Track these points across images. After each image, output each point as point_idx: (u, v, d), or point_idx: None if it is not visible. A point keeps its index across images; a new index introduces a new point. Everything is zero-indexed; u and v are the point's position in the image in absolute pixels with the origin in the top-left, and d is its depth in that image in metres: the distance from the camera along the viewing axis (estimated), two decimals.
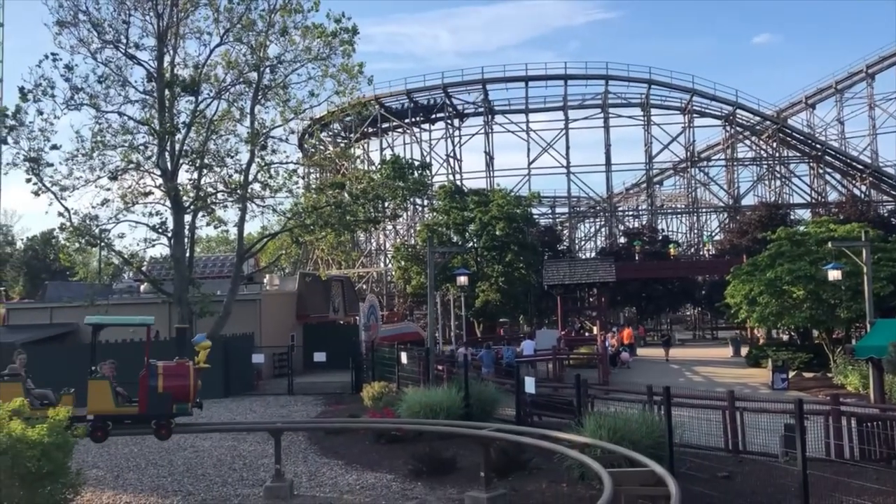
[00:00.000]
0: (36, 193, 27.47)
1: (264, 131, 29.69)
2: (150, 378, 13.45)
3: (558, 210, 75.83)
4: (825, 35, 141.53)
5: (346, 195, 31.57)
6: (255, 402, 26.09)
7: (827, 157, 69.17)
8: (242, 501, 13.65)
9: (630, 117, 68.98)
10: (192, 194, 28.89)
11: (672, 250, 57.99)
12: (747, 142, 71.78)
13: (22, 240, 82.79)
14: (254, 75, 29.34)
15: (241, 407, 24.76)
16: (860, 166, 68.21)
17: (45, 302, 37.34)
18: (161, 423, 13.45)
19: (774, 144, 69.00)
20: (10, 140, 27.16)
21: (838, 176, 71.00)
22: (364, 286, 62.14)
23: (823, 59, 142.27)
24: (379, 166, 58.63)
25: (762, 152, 71.09)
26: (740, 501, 11.63)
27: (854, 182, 69.40)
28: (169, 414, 13.50)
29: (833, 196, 68.43)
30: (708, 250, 64.63)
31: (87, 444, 14.98)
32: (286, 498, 13.68)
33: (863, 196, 65.77)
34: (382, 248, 70.97)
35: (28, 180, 27.24)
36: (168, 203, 28.80)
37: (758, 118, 68.19)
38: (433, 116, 71.13)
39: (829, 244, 28.89)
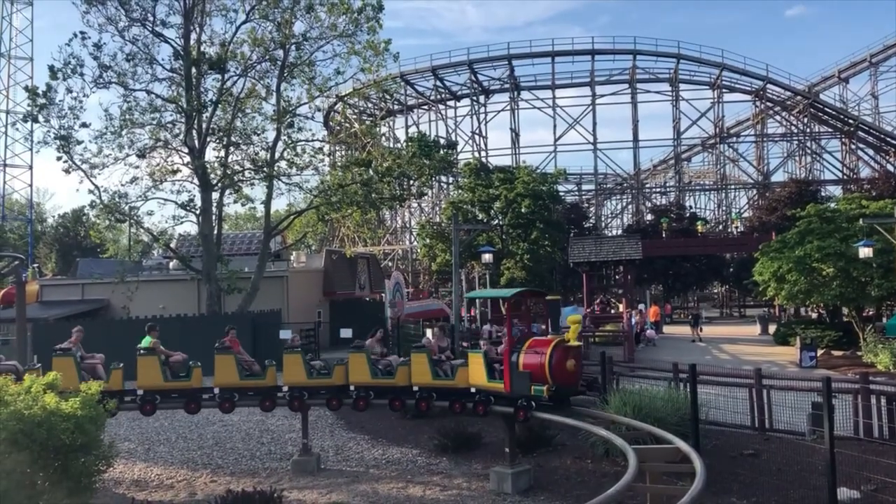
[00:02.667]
0: (66, 171, 27.82)
1: (290, 109, 29.76)
2: (512, 354, 12.22)
3: (585, 187, 75.38)
4: (860, 7, 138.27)
5: (371, 173, 31.61)
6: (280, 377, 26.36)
7: (860, 133, 67.88)
8: (270, 475, 13.87)
9: (658, 93, 68.21)
10: (219, 172, 29.09)
11: (700, 227, 57.42)
12: (777, 117, 70.63)
13: (53, 217, 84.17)
14: (280, 53, 29.37)
15: None
16: (894, 141, 66.85)
17: (77, 278, 37.96)
18: (521, 406, 11.99)
19: (805, 120, 67.82)
20: (40, 118, 27.49)
21: (871, 152, 69.68)
22: (389, 263, 62.34)
23: (858, 32, 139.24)
24: (404, 144, 58.54)
25: (793, 128, 69.93)
26: (766, 479, 11.60)
27: (888, 158, 68.06)
28: (527, 395, 11.98)
29: (865, 172, 67.21)
30: (736, 227, 63.92)
31: (119, 418, 15.26)
32: (313, 471, 13.87)
33: None
34: (408, 225, 71.07)
35: (59, 158, 27.60)
36: (196, 181, 29.04)
37: (789, 93, 66.99)
38: (459, 93, 70.78)
39: (861, 221, 28.49)
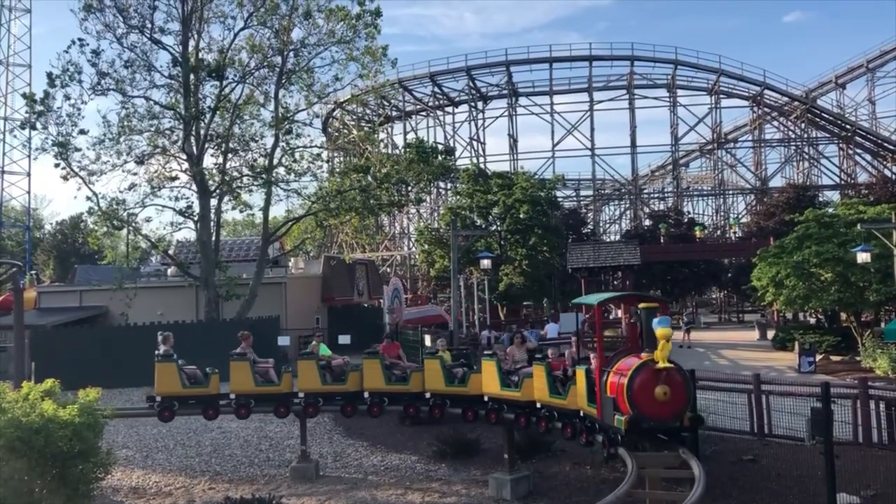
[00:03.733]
0: (64, 178, 27.83)
1: (289, 115, 29.79)
2: (603, 374, 10.51)
3: (583, 193, 75.38)
4: (857, 13, 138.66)
5: (369, 179, 31.64)
6: None
7: (857, 138, 67.95)
8: (269, 481, 13.84)
9: (656, 98, 68.19)
10: (217, 178, 29.11)
11: (698, 233, 57.42)
12: (775, 123, 70.69)
13: (51, 224, 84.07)
14: (278, 59, 29.41)
15: None
16: (891, 147, 66.93)
17: (75, 285, 37.92)
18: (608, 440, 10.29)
19: (803, 125, 67.90)
20: (38, 125, 27.51)
21: (868, 157, 69.74)
22: (388, 269, 62.31)
23: (855, 38, 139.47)
24: (402, 150, 58.59)
25: (790, 133, 69.99)
26: (766, 485, 11.58)
27: (885, 163, 68.11)
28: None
29: (863, 177, 67.26)
30: (734, 233, 63.90)
31: (116, 425, 15.22)
32: (312, 478, 13.84)
33: (894, 177, 64.58)
34: (406, 231, 71.02)
35: (57, 165, 27.61)
36: (194, 187, 29.05)
37: (786, 98, 67.07)
38: (457, 99, 70.86)
39: (859, 226, 28.50)
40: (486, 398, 12.60)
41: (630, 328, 11.85)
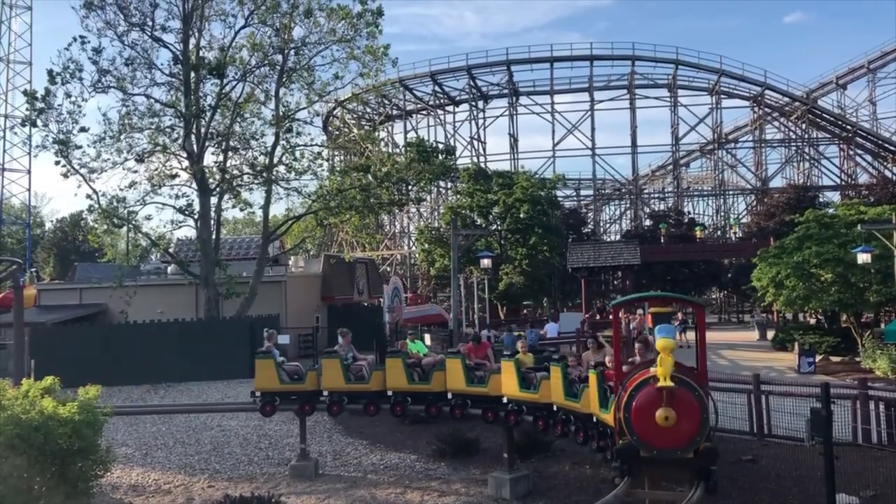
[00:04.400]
0: (65, 175, 27.85)
1: (289, 114, 29.79)
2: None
3: (583, 192, 75.38)
4: (858, 13, 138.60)
5: (370, 178, 31.65)
6: None
7: (857, 139, 67.95)
8: (268, 480, 13.84)
9: (656, 98, 68.18)
10: (217, 176, 29.12)
11: (698, 233, 57.41)
12: (776, 123, 70.68)
13: (51, 221, 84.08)
14: (278, 58, 29.42)
15: None
16: (892, 147, 66.93)
17: (75, 283, 37.91)
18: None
19: (804, 126, 67.89)
20: (39, 123, 27.51)
21: (869, 157, 69.73)
22: (388, 268, 62.31)
23: (856, 39, 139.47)
24: (403, 149, 58.59)
25: (791, 134, 70.00)
26: (765, 485, 11.58)
27: (886, 164, 68.10)
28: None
29: (863, 178, 67.23)
30: (735, 233, 63.89)
31: (115, 422, 15.22)
32: (311, 477, 13.84)
33: (894, 177, 64.59)
34: (406, 230, 71.02)
35: (57, 162, 27.63)
36: (194, 185, 29.06)
37: (787, 99, 67.06)
38: (457, 98, 70.85)
39: (859, 226, 28.49)
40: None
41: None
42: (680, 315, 46.67)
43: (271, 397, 13.61)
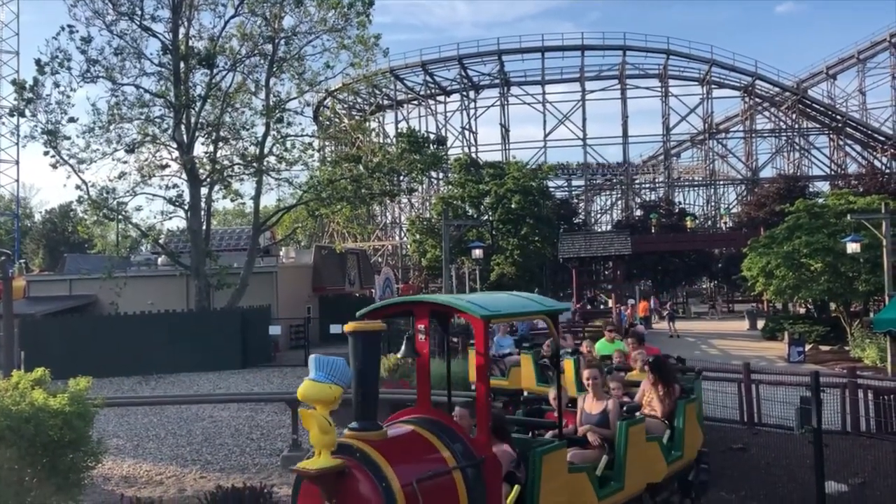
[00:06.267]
0: (54, 166, 27.66)
1: (280, 104, 29.66)
2: None
3: (574, 183, 75.48)
4: (849, 4, 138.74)
5: (361, 168, 31.57)
6: (273, 373, 26.34)
7: (847, 129, 68.22)
8: (260, 470, 13.83)
9: (647, 88, 68.32)
10: (208, 167, 28.98)
11: (689, 223, 57.62)
12: (766, 113, 70.90)
13: (40, 213, 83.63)
14: (269, 47, 29.25)
15: (258, 378, 25.01)
16: (881, 138, 67.24)
17: (65, 274, 37.73)
18: None
19: (794, 116, 68.11)
20: (27, 113, 27.29)
21: (859, 147, 70.05)
22: (379, 259, 62.28)
23: (847, 29, 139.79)
24: (394, 139, 58.47)
25: (781, 124, 70.23)
26: (755, 474, 11.65)
27: (875, 154, 68.46)
28: None
29: (853, 168, 67.62)
30: (725, 223, 64.16)
31: (107, 414, 15.17)
32: None
33: (884, 168, 64.92)
34: (398, 221, 70.99)
35: (46, 153, 27.42)
36: (184, 176, 28.91)
37: (777, 89, 67.25)
38: (448, 88, 70.72)
39: (849, 216, 28.66)
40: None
41: (420, 346, 6.49)
42: (669, 305, 47.00)
43: None
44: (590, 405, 7.80)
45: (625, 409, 7.71)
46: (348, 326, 5.54)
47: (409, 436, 5.79)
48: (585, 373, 8.02)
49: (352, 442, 5.31)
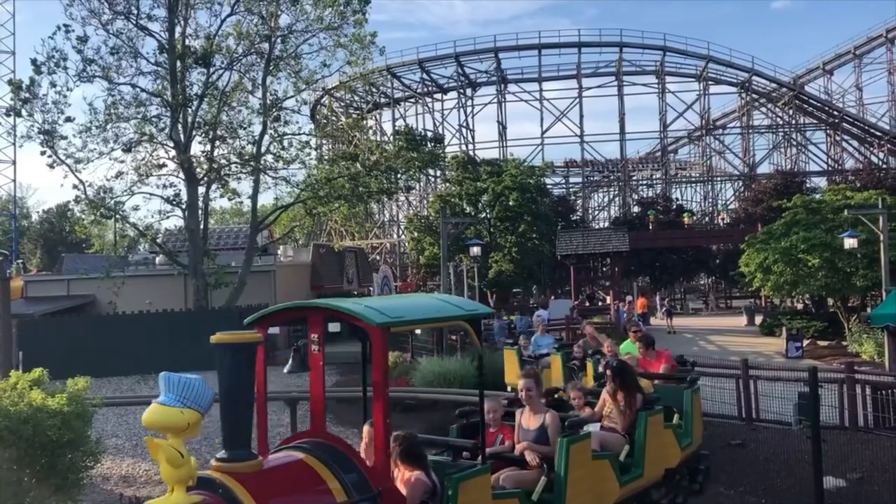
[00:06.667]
0: (51, 166, 27.61)
1: (277, 102, 29.63)
2: None
3: (572, 180, 75.45)
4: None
5: (358, 167, 31.55)
6: (271, 371, 26.21)
7: (844, 125, 68.24)
8: None
9: (644, 85, 68.25)
10: (205, 166, 28.93)
11: (686, 219, 57.62)
12: (763, 109, 70.89)
13: (38, 212, 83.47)
14: (265, 46, 29.20)
15: None
16: (878, 133, 67.28)
17: (62, 274, 37.69)
18: None
19: (791, 112, 68.11)
20: (24, 113, 27.24)
21: (856, 143, 70.08)
22: (377, 257, 62.25)
23: (842, 24, 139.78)
24: (391, 137, 58.42)
25: (778, 120, 70.22)
26: (754, 469, 11.67)
27: (872, 149, 68.51)
28: None
29: (850, 163, 67.59)
30: (722, 219, 64.16)
31: (105, 414, 15.15)
32: None
33: (881, 163, 64.94)
34: (395, 219, 70.92)
35: (43, 153, 27.37)
36: (182, 175, 28.87)
37: (774, 85, 67.24)
38: (445, 86, 70.65)
39: (846, 212, 28.68)
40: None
41: (313, 359, 5.79)
42: (666, 302, 47.01)
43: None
44: (527, 420, 6.92)
45: (566, 422, 6.78)
46: (214, 338, 4.72)
47: (291, 466, 5.05)
48: (520, 383, 7.18)
49: (215, 476, 4.63)
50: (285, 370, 6.03)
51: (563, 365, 11.56)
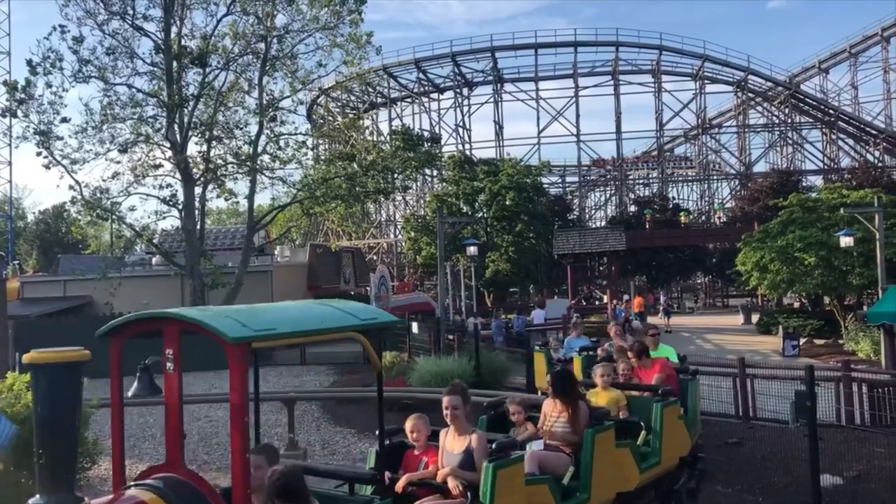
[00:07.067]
0: (47, 167, 27.50)
1: (273, 102, 29.58)
2: None
3: (568, 179, 75.53)
4: None
5: (355, 166, 31.50)
6: (269, 372, 26.35)
7: (840, 123, 68.40)
8: None
9: (641, 84, 68.37)
10: (201, 166, 28.88)
11: (683, 218, 57.73)
12: (759, 108, 71.03)
13: (34, 213, 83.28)
14: (261, 46, 29.13)
15: None
16: (874, 132, 67.44)
17: (59, 275, 37.61)
18: None
19: (787, 110, 68.25)
20: (19, 114, 27.14)
21: (851, 142, 70.26)
22: (374, 257, 62.25)
23: (838, 23, 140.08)
24: (388, 137, 58.38)
25: (774, 118, 70.37)
26: (750, 467, 11.69)
27: (867, 147, 68.67)
28: None
29: (846, 162, 67.84)
30: (719, 218, 64.30)
31: (103, 415, 15.09)
32: None
33: (876, 161, 65.09)
34: (392, 219, 70.94)
35: (38, 154, 27.27)
36: (178, 175, 28.80)
37: (770, 84, 67.38)
38: (442, 85, 70.67)
39: (842, 210, 28.74)
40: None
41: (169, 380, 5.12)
42: (664, 300, 47.12)
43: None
44: (451, 442, 6.07)
45: (494, 444, 5.81)
46: (28, 357, 3.85)
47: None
48: (444, 400, 6.27)
49: None
50: (129, 393, 5.00)
51: (582, 369, 10.75)
